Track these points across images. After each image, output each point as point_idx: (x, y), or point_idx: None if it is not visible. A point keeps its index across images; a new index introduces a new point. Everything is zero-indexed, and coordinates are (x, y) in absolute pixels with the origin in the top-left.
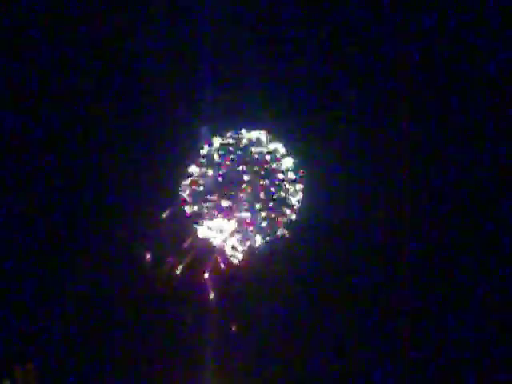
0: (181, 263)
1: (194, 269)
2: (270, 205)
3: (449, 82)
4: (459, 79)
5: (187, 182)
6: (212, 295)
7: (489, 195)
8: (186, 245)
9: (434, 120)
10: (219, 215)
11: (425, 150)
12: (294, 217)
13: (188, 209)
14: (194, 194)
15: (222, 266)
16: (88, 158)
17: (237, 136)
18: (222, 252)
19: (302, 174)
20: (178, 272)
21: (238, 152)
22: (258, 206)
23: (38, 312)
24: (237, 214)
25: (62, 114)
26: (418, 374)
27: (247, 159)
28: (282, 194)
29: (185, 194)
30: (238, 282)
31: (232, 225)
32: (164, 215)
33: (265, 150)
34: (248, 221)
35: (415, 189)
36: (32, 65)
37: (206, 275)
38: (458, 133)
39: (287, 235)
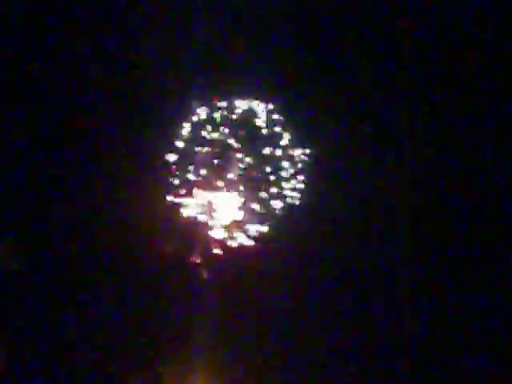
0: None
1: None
2: (266, 185)
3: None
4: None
5: (173, 157)
6: (204, 276)
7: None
8: (172, 225)
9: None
10: (209, 194)
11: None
12: (293, 201)
13: (174, 187)
14: (180, 170)
15: (215, 250)
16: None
17: (229, 106)
18: (212, 234)
19: (304, 151)
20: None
21: (230, 124)
22: (252, 186)
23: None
24: (228, 195)
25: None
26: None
27: (240, 133)
28: (282, 174)
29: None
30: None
31: (223, 205)
32: (150, 194)
33: (261, 122)
34: (241, 203)
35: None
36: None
37: (197, 259)
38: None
39: (285, 220)
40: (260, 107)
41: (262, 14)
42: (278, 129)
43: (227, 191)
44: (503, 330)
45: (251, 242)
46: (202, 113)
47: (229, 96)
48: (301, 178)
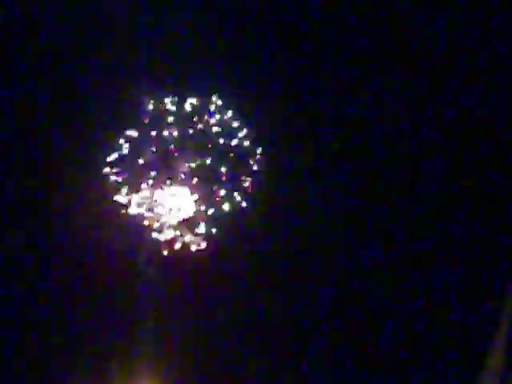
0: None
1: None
2: (217, 184)
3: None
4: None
5: (117, 156)
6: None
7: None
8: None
9: None
10: (156, 192)
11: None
12: (245, 204)
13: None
14: (126, 170)
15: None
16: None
17: (179, 102)
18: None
19: (259, 152)
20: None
21: (180, 121)
22: (202, 184)
23: None
24: (177, 193)
25: None
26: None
27: (190, 130)
28: (234, 172)
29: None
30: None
31: (171, 204)
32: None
33: (213, 119)
34: (190, 202)
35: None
36: None
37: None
38: None
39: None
40: (212, 103)
41: (215, 6)
42: (230, 125)
43: (176, 189)
44: None
45: (201, 243)
46: (150, 108)
47: (179, 91)
48: (253, 176)
